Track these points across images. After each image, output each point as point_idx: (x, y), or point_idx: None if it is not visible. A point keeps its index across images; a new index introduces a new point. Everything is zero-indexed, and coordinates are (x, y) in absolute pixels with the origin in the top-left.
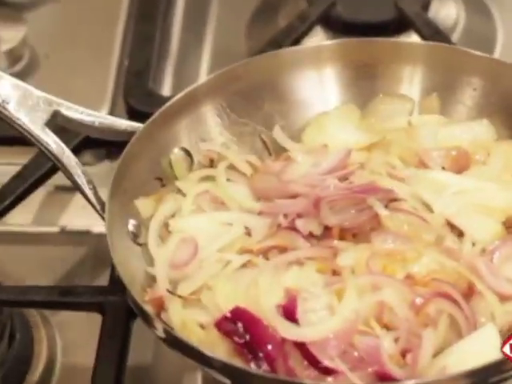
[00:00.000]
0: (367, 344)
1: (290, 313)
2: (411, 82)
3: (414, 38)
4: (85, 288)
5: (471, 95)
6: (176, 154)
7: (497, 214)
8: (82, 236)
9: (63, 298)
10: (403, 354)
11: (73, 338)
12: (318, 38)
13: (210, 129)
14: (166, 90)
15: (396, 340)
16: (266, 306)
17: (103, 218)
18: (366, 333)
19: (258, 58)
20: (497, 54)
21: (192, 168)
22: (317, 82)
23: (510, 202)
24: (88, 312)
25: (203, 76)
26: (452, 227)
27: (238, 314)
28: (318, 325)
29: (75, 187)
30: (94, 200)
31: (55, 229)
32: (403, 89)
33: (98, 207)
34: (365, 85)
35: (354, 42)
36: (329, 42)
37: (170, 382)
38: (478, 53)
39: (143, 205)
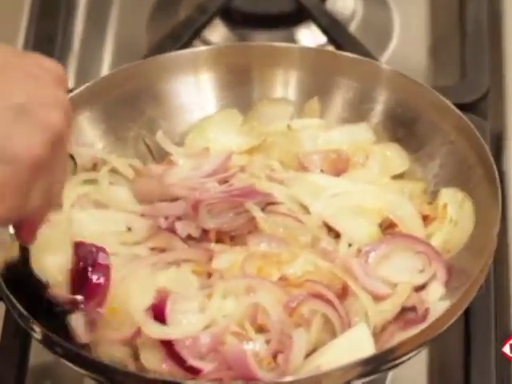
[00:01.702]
0: (234, 347)
1: (159, 312)
2: (288, 85)
3: (312, 29)
4: None
5: (349, 98)
6: None
7: (372, 215)
8: None
9: None
10: (275, 356)
11: None
12: (217, 30)
13: (89, 134)
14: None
15: (268, 342)
16: (133, 305)
17: None
18: (239, 334)
19: (135, 64)
20: (393, 45)
21: (75, 172)
22: (195, 87)
23: (386, 203)
24: None
25: (105, 72)
26: (329, 229)
27: None
28: (184, 325)
29: None
30: None
31: None
32: (281, 92)
33: None
34: (243, 89)
35: (228, 48)
36: (204, 48)
37: (74, 379)
38: (352, 55)
39: None
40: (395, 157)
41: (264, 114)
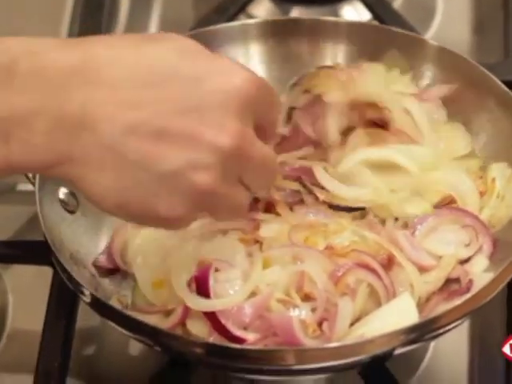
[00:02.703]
0: (280, 313)
1: (201, 284)
2: (336, 59)
3: (356, 5)
4: (36, 242)
5: None
6: None
7: (432, 194)
8: (32, 195)
9: (15, 251)
10: (321, 324)
11: (25, 295)
12: (263, 5)
13: None
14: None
15: (313, 310)
16: (176, 279)
17: (34, 185)
18: (285, 302)
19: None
20: (437, 22)
21: None
22: (244, 60)
23: (448, 180)
24: (40, 266)
25: None
26: None
27: None
28: (228, 295)
29: None
30: None
31: (6, 188)
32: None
33: (30, 175)
34: (291, 63)
35: (277, 21)
36: (253, 21)
37: (119, 342)
38: (399, 30)
39: None
40: (460, 138)
41: None
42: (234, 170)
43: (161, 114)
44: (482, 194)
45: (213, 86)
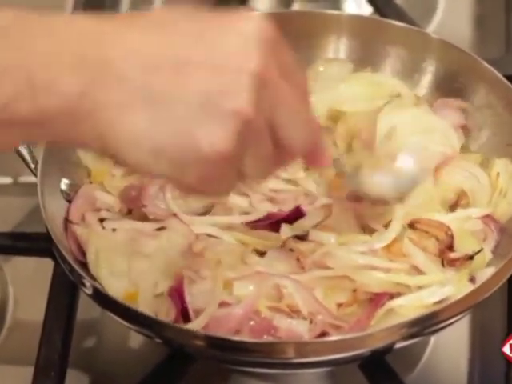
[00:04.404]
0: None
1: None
2: (338, 53)
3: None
4: (38, 234)
5: (398, 68)
6: None
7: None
8: (34, 187)
9: (16, 243)
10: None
11: (25, 287)
12: None
13: None
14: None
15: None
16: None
17: (36, 176)
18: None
19: None
20: (438, 16)
21: None
22: None
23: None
24: (40, 257)
25: None
26: None
27: None
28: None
29: None
30: (28, 158)
31: (8, 180)
32: None
33: (32, 166)
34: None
35: (278, 14)
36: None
37: (120, 334)
38: (401, 24)
39: (86, 154)
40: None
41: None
42: (267, 100)
43: (180, 46)
44: None
45: (231, 26)
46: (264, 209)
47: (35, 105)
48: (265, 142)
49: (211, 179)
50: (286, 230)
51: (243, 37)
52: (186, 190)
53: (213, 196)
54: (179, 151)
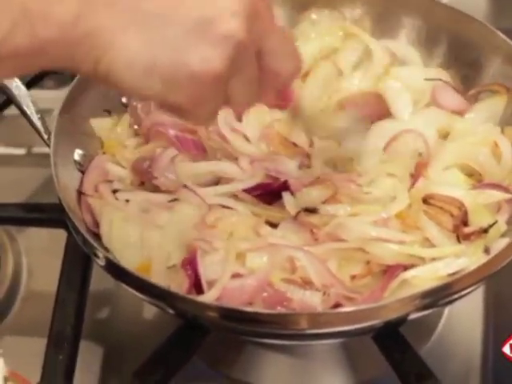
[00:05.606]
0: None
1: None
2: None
3: None
4: (51, 205)
5: (413, 38)
6: None
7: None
8: (48, 158)
9: (29, 214)
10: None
11: (39, 257)
12: None
13: None
14: None
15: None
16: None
17: (49, 147)
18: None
19: None
20: None
21: None
22: None
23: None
24: (53, 228)
25: None
26: None
27: None
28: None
29: (24, 116)
30: (41, 129)
31: (21, 151)
32: None
33: (45, 136)
34: None
35: None
36: None
37: (133, 305)
38: None
39: (99, 124)
40: None
41: None
42: (256, 28)
43: None
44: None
45: None
46: (257, 171)
47: (34, 35)
48: (252, 67)
49: (200, 99)
50: (289, 200)
51: None
52: (175, 112)
53: (198, 120)
54: (172, 69)
